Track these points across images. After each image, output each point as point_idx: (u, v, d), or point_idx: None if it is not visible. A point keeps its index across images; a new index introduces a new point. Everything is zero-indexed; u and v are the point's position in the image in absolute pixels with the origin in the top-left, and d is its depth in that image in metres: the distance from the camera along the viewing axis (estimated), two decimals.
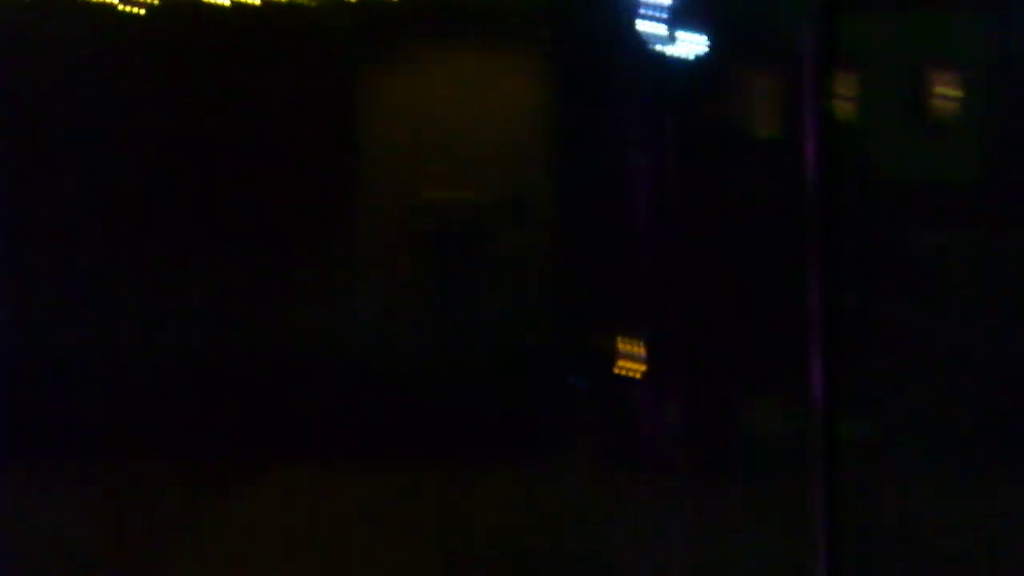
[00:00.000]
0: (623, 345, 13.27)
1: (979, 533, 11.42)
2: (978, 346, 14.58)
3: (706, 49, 13.93)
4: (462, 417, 13.28)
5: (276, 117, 13.76)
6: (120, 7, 13.58)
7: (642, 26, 13.34)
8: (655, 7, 13.39)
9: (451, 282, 13.53)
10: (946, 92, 21.01)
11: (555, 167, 13.55)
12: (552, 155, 13.54)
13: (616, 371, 13.26)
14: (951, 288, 15.78)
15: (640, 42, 13.53)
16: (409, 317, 13.60)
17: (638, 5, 13.25)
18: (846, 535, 10.42)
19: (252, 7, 13.60)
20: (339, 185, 13.77)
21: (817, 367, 11.90)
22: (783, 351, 12.76)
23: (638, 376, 13.25)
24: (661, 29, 13.50)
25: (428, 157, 13.66)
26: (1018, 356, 13.87)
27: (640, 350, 13.30)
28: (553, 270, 13.59)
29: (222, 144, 13.80)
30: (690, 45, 13.88)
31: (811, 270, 12.17)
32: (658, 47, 13.63)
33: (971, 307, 15.23)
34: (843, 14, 17.24)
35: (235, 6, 13.62)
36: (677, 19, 13.55)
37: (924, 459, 13.00)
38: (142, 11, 13.66)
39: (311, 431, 13.24)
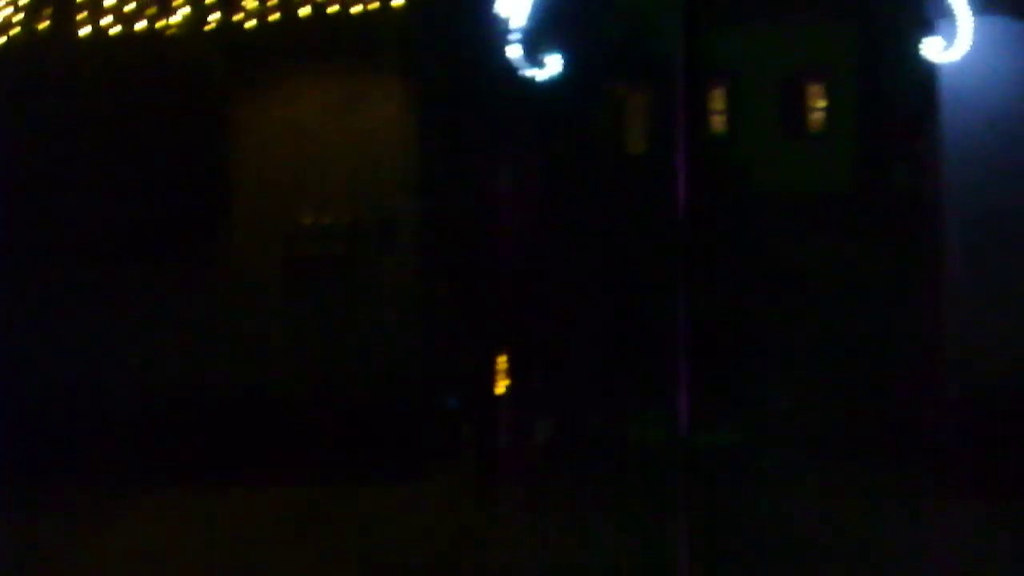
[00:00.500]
0: (496, 364, 13.47)
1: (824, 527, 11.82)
2: (845, 353, 14.95)
3: (575, 69, 14.10)
4: (338, 439, 13.42)
5: (150, 146, 13.85)
6: None
7: (511, 50, 13.42)
8: (523, 31, 13.52)
9: (325, 306, 13.65)
10: (817, 103, 21.45)
11: (426, 191, 13.72)
12: (422, 179, 13.71)
13: (491, 389, 13.47)
14: (822, 297, 16.13)
15: (509, 65, 13.63)
16: (284, 341, 13.72)
17: (506, 29, 13.36)
18: (707, 532, 10.75)
19: (123, 39, 13.67)
20: (214, 213, 13.86)
21: (683, 379, 12.22)
22: (652, 364, 13.06)
23: (510, 393, 13.46)
24: (530, 51, 13.60)
25: (301, 184, 13.80)
26: (881, 363, 14.26)
27: (512, 368, 13.51)
28: (425, 292, 13.76)
29: (96, 172, 13.85)
30: (559, 66, 13.92)
31: (679, 284, 12.50)
32: (527, 69, 13.71)
33: (842, 315, 15.59)
34: (712, 29, 17.54)
35: (107, 39, 13.71)
36: (545, 41, 13.69)
37: (794, 464, 13.36)
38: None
39: (185, 456, 13.31)
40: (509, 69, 13.61)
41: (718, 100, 21.29)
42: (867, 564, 10.96)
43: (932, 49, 12.86)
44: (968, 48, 12.64)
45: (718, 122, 21.39)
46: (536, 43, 13.45)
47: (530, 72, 13.54)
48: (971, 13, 12.65)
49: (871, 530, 11.64)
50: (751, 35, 20.48)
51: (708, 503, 11.66)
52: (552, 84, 13.94)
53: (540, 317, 13.89)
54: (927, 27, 13.01)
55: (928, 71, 13.23)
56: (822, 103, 21.06)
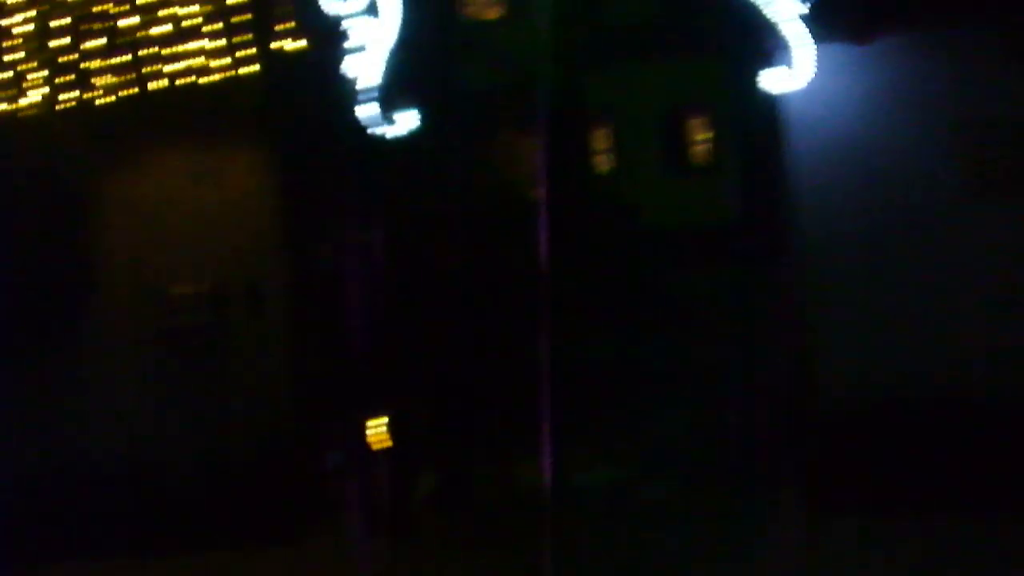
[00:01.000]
0: (368, 423, 13.53)
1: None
2: (720, 381, 15.07)
3: (440, 121, 14.19)
4: (218, 506, 13.44)
5: (12, 229, 13.89)
6: None
7: (367, 110, 13.46)
8: (379, 89, 13.59)
9: (198, 374, 13.69)
10: (698, 138, 21.61)
11: (292, 255, 13.80)
12: (288, 244, 13.79)
13: (369, 447, 13.52)
14: (703, 328, 16.25)
15: (367, 125, 13.66)
16: (159, 412, 13.76)
17: (362, 89, 13.44)
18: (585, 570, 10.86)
19: None
20: (80, 291, 13.91)
21: (556, 421, 12.33)
22: (528, 409, 13.15)
23: (384, 451, 13.52)
24: (387, 109, 13.63)
25: (167, 256, 13.87)
26: (755, 388, 14.37)
27: (389, 424, 13.57)
28: (298, 354, 13.82)
29: None
30: (416, 121, 13.87)
31: (547, 326, 12.63)
32: (384, 127, 13.71)
33: (720, 345, 15.71)
34: (588, 70, 17.68)
35: None
36: (403, 97, 13.73)
37: (660, 499, 13.46)
38: None
39: (61, 533, 13.31)
40: (368, 128, 13.70)
41: (601, 139, 21.41)
42: None
43: (779, 79, 13.09)
44: (812, 76, 12.88)
45: (602, 161, 21.50)
46: (393, 100, 13.55)
47: (388, 129, 13.62)
48: (812, 41, 12.89)
49: (751, 557, 11.79)
50: (629, 74, 20.61)
51: (584, 542, 11.80)
52: (417, 138, 13.99)
53: (415, 371, 13.96)
54: (774, 58, 13.24)
55: (778, 101, 13.45)
56: (702, 138, 21.24)
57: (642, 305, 16.42)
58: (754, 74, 13.86)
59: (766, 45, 13.42)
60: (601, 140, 20.82)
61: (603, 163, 20.65)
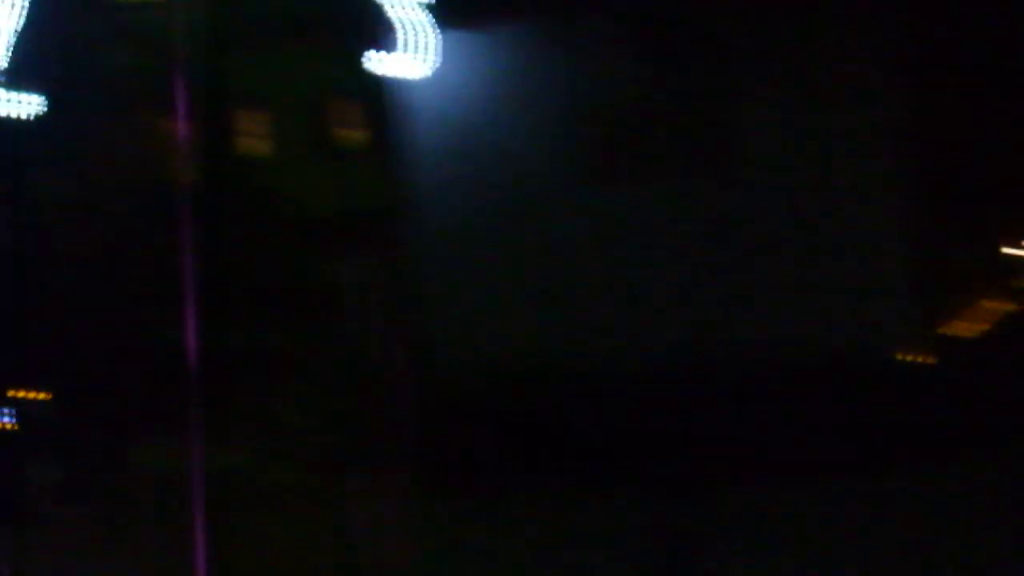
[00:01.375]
0: None
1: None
2: (356, 366, 15.30)
3: (78, 107, 14.01)
4: None
5: None
6: None
7: None
8: (6, 73, 13.34)
9: None
10: (340, 124, 21.75)
11: None
12: None
13: None
14: (343, 314, 16.44)
15: None
16: None
17: None
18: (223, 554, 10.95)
19: None
20: None
21: (194, 406, 12.36)
22: (166, 393, 13.14)
23: (13, 433, 13.35)
24: (19, 94, 13.37)
25: None
26: (384, 372, 14.62)
27: (15, 410, 13.40)
28: None
29: None
30: (44, 103, 13.61)
31: (189, 311, 12.63)
32: (16, 112, 13.44)
33: (357, 330, 15.93)
34: (228, 53, 17.62)
35: None
36: (34, 82, 13.51)
37: (302, 478, 13.63)
38: None
39: None
40: None
41: (251, 123, 21.34)
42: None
43: (405, 66, 13.37)
44: (438, 64, 13.19)
45: (250, 145, 21.43)
46: (22, 82, 13.32)
47: (17, 112, 13.38)
48: (438, 29, 13.21)
49: (370, 539, 12.01)
50: (277, 59, 20.59)
51: (224, 525, 11.86)
52: (51, 122, 13.73)
53: (42, 353, 13.80)
54: (402, 45, 13.52)
55: (406, 88, 13.72)
56: (343, 124, 21.36)
57: (284, 292, 16.51)
58: (383, 61, 14.10)
59: (395, 33, 13.68)
60: (249, 125, 20.80)
61: (250, 148, 20.63)
